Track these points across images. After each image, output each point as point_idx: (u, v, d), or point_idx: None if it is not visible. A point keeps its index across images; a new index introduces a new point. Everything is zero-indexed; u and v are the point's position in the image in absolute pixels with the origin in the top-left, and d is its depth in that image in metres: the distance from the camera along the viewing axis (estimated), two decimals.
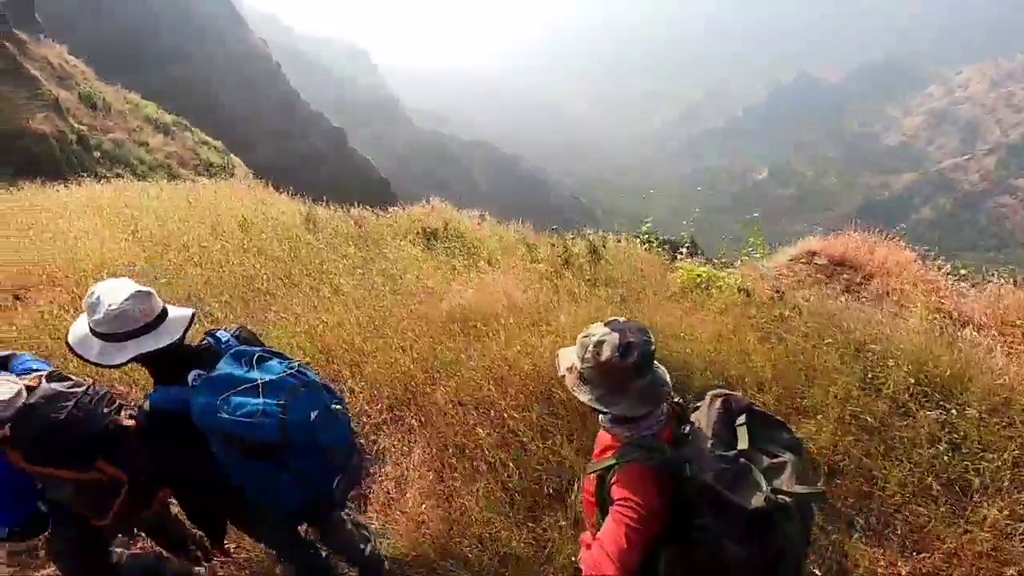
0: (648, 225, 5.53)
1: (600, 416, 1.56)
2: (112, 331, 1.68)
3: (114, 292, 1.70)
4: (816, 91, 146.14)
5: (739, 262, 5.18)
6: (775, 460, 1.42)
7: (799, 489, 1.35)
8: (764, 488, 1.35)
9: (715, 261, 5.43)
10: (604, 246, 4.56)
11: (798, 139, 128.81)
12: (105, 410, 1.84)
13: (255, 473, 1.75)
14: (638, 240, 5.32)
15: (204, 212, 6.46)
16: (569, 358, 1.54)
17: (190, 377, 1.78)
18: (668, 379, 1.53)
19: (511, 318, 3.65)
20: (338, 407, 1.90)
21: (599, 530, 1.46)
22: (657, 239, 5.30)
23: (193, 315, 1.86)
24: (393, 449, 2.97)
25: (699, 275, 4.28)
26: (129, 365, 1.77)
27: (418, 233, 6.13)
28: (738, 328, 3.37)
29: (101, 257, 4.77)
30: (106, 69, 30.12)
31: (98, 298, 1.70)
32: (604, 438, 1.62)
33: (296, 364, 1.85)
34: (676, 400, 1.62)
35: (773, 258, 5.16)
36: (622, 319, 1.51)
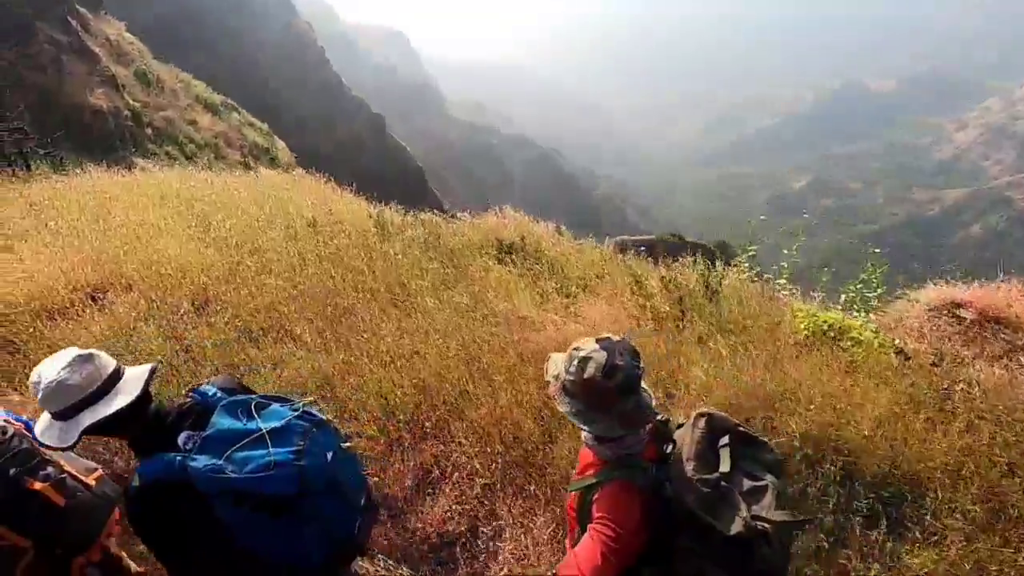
0: (752, 251, 5.02)
1: (583, 433, 1.54)
2: (60, 407, 1.50)
3: (51, 364, 1.53)
4: (865, 100, 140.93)
5: (847, 301, 4.68)
6: (756, 483, 1.42)
7: (779, 516, 1.35)
8: (744, 513, 1.34)
9: (813, 298, 4.92)
10: (721, 282, 4.12)
11: (843, 149, 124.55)
12: (13, 471, 1.69)
13: (271, 531, 1.56)
14: (720, 261, 4.83)
15: (272, 207, 6.23)
16: (558, 365, 1.52)
17: (180, 440, 1.58)
18: (652, 403, 1.49)
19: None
20: (348, 445, 1.78)
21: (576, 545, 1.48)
22: (757, 269, 4.82)
23: (153, 369, 1.65)
24: (511, 521, 2.62)
25: (826, 322, 3.81)
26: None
27: (493, 246, 5.78)
28: (898, 400, 2.92)
29: (178, 260, 4.54)
30: (159, 47, 30.66)
31: (38, 375, 1.52)
32: (586, 455, 1.60)
33: (300, 405, 1.68)
34: (661, 418, 1.59)
35: (894, 304, 4.60)
36: (615, 337, 1.48)
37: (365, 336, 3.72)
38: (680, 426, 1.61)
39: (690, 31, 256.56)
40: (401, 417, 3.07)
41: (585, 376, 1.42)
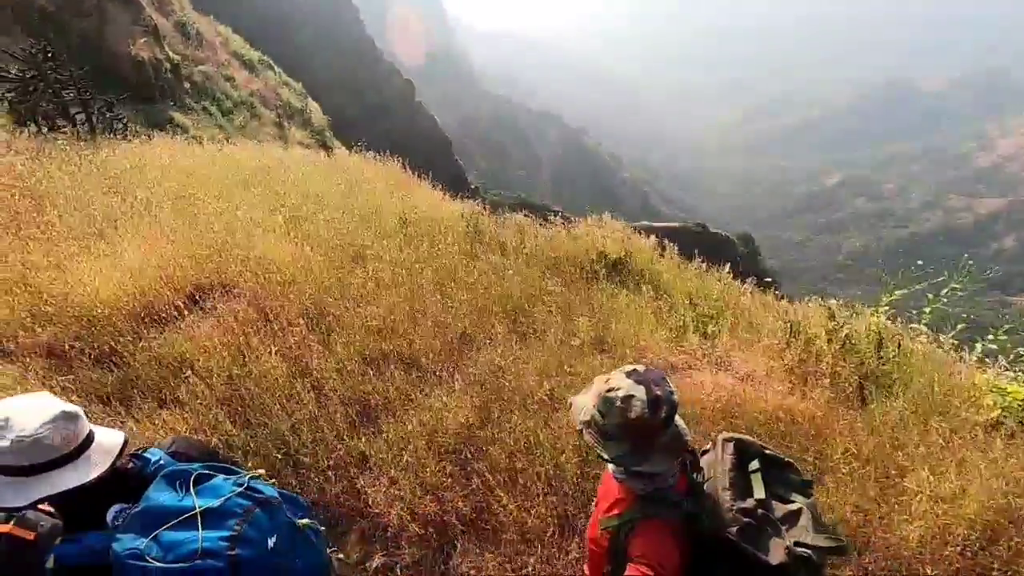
0: (896, 296, 4.47)
1: (612, 467, 1.47)
2: (18, 463, 1.28)
3: (29, 414, 1.30)
4: (909, 99, 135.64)
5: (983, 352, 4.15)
6: (790, 507, 1.40)
7: (822, 543, 1.33)
8: (787, 541, 1.32)
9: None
10: (900, 344, 3.63)
11: (881, 148, 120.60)
12: None
13: None
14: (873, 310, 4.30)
15: (357, 198, 5.84)
16: (587, 411, 1.42)
17: (110, 515, 1.38)
18: (686, 427, 1.43)
19: (822, 446, 2.84)
20: (305, 521, 1.50)
21: None
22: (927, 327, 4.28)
23: (125, 442, 1.45)
24: None
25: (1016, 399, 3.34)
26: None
27: (595, 260, 5.33)
28: None
29: (279, 262, 4.17)
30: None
31: (6, 421, 1.28)
32: (612, 490, 1.52)
33: (247, 478, 1.45)
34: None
35: None
36: (640, 367, 1.41)
37: (509, 381, 3.32)
38: (704, 452, 1.56)
39: (734, 17, 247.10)
40: (568, 489, 2.69)
41: (632, 416, 1.33)
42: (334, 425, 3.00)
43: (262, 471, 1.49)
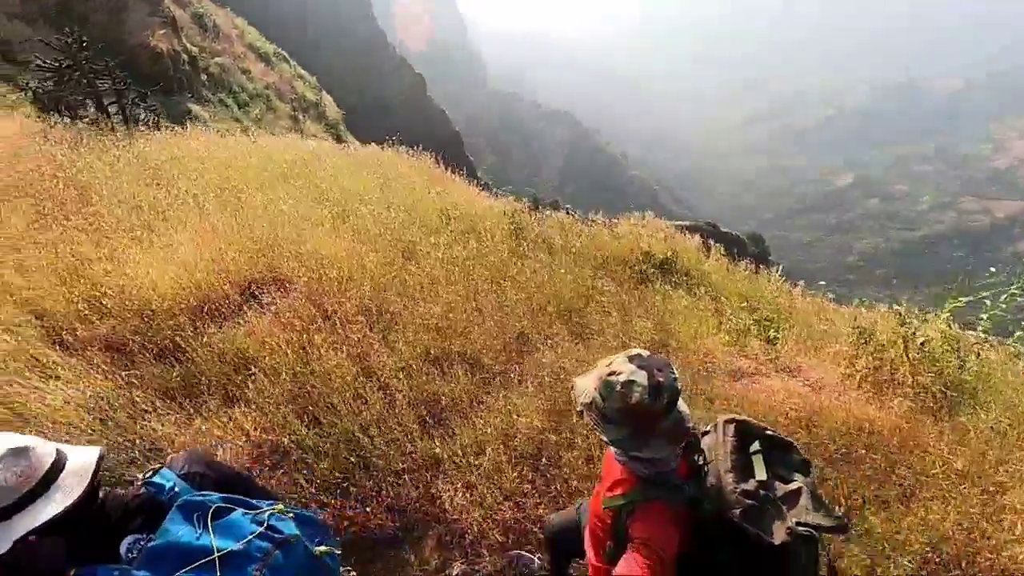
0: (989, 319, 4.17)
1: (613, 449, 1.48)
2: None
3: None
4: (923, 100, 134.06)
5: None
6: (790, 487, 1.40)
7: (823, 521, 1.33)
8: (789, 521, 1.32)
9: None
10: (979, 353, 3.50)
11: (894, 149, 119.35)
12: None
13: None
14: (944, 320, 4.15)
15: (396, 193, 5.76)
16: (588, 393, 1.42)
17: (123, 547, 1.31)
18: (689, 413, 1.43)
19: (911, 459, 2.73)
20: (323, 549, 1.43)
21: (607, 558, 1.46)
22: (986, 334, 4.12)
23: (100, 459, 1.35)
24: None
25: None
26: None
27: (640, 260, 5.23)
28: None
29: (331, 256, 4.09)
30: None
31: None
32: (613, 469, 1.53)
33: (267, 515, 1.38)
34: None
35: None
36: (644, 352, 1.40)
37: (567, 378, 3.23)
38: (705, 434, 1.56)
39: (745, 16, 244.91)
40: None
41: (632, 402, 1.33)
42: (405, 426, 2.93)
43: (280, 506, 1.41)
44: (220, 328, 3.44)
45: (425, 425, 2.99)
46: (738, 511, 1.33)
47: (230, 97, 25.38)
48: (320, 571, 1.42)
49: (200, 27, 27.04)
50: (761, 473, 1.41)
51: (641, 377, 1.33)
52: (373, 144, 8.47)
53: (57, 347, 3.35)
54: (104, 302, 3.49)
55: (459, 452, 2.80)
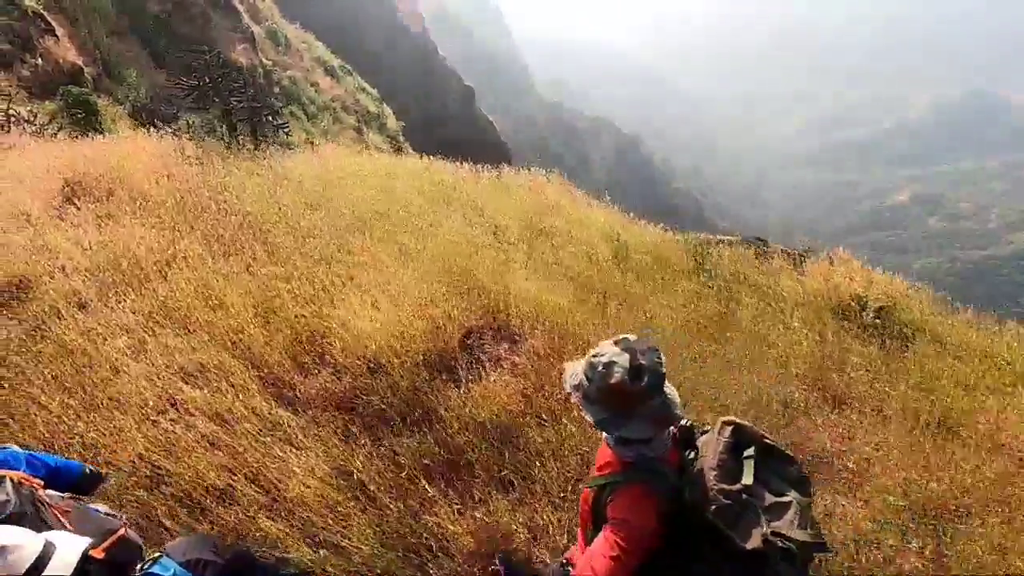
0: None
1: (603, 433, 1.49)
2: None
3: None
4: (991, 112, 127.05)
5: None
6: (779, 499, 1.36)
7: (799, 535, 1.30)
8: (764, 528, 1.29)
9: None
10: None
11: (959, 164, 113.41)
12: None
13: None
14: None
15: (546, 215, 5.35)
16: (577, 374, 1.44)
17: None
18: (678, 401, 1.42)
19: None
20: None
21: (588, 541, 1.49)
22: None
23: (86, 551, 1.33)
24: None
25: None
26: None
27: (834, 307, 4.58)
28: None
29: (541, 302, 3.65)
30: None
31: None
32: (606, 453, 1.53)
33: None
34: (686, 423, 1.54)
35: None
36: (632, 337, 1.41)
37: (869, 466, 2.66)
38: (704, 432, 1.53)
39: (799, 25, 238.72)
40: None
41: (612, 382, 1.34)
42: None
43: None
44: (458, 387, 3.03)
45: None
46: (713, 507, 1.31)
47: (300, 109, 25.95)
48: None
49: (274, 42, 27.88)
50: (748, 478, 1.37)
51: (623, 359, 1.33)
52: (429, 158, 7.96)
53: (277, 401, 3.01)
54: (329, 353, 3.13)
55: None
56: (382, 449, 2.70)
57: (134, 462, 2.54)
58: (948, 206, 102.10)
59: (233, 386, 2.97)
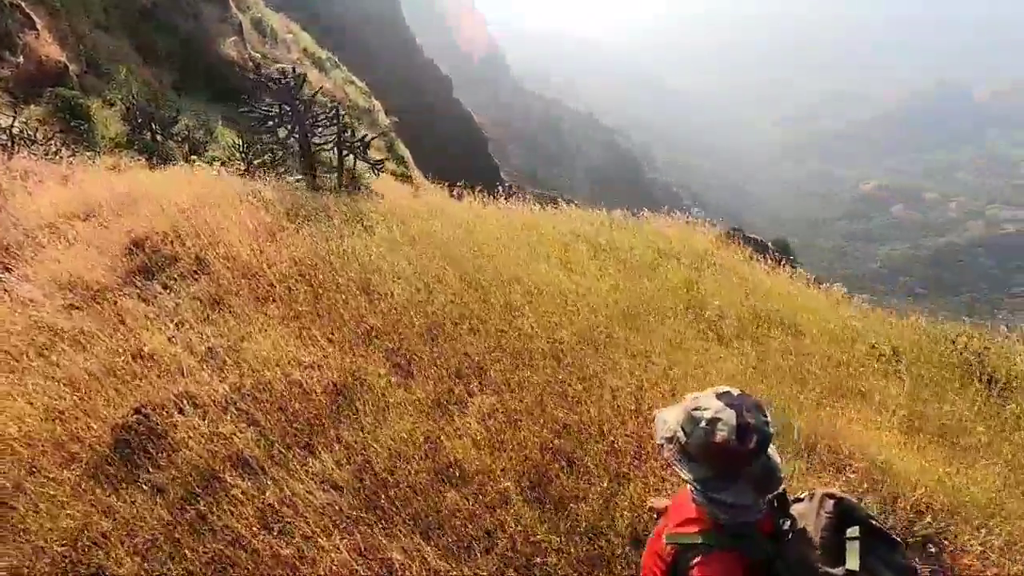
0: None
1: (691, 488, 1.33)
2: None
3: None
4: (958, 104, 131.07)
5: None
6: None
7: None
8: None
9: None
10: None
11: (924, 155, 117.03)
12: None
13: None
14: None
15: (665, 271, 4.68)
16: (671, 427, 1.34)
17: None
18: (781, 466, 1.32)
19: None
20: None
21: None
22: None
23: None
24: None
25: None
26: None
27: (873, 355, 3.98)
28: None
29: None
30: None
31: None
32: (688, 507, 1.37)
33: None
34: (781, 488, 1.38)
35: None
36: (735, 391, 1.30)
37: None
38: (797, 500, 1.40)
39: (774, 21, 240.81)
40: None
41: (716, 440, 1.24)
42: None
43: None
44: None
45: None
46: None
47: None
48: None
49: (260, 32, 26.26)
50: (853, 562, 1.22)
51: (728, 415, 1.24)
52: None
53: None
54: None
55: None
56: None
57: None
58: (914, 195, 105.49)
59: None
